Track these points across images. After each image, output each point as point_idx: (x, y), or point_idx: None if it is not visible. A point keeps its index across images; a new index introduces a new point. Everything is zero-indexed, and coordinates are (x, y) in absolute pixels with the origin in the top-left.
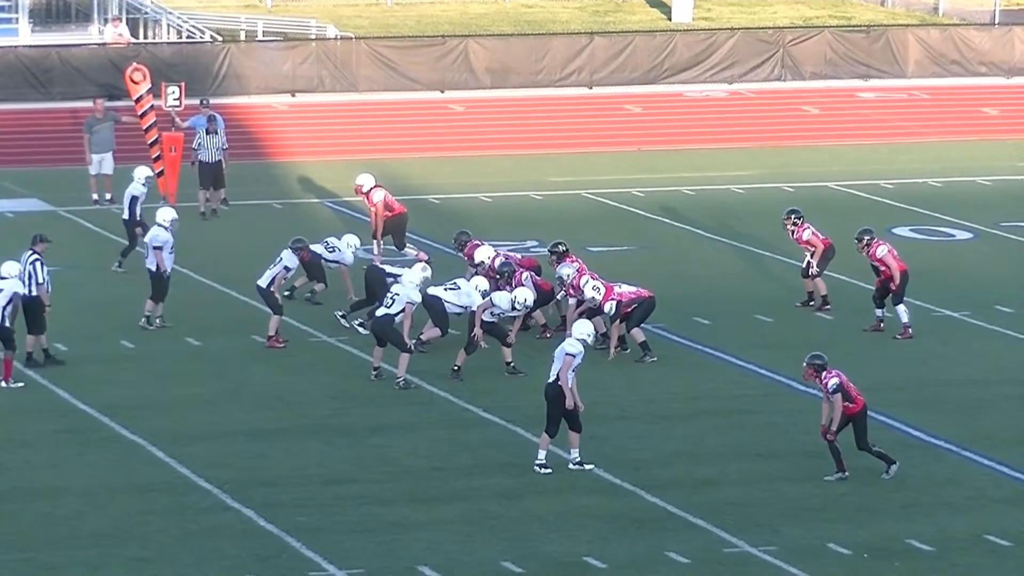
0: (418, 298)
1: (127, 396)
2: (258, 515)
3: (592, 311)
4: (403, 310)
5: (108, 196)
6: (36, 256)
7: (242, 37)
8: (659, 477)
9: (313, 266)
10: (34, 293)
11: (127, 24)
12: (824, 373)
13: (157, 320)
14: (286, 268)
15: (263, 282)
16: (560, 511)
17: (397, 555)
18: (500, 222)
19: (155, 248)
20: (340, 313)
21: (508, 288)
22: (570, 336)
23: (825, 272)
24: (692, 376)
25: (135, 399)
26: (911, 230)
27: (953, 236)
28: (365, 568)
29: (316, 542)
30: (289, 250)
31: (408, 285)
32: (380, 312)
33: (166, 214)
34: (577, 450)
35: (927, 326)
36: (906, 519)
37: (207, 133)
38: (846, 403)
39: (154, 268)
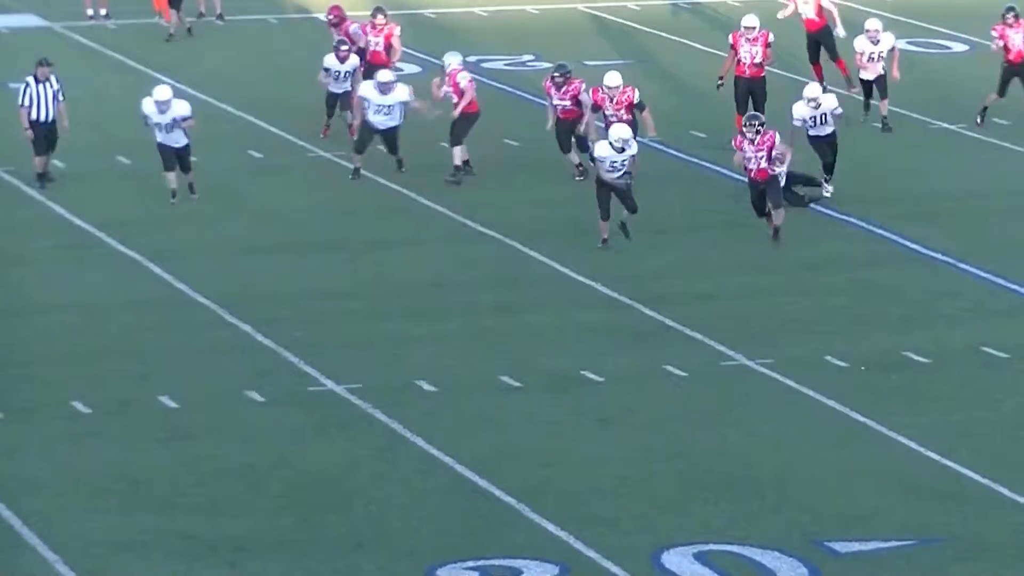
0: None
1: (124, 212)
2: (255, 330)
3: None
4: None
5: (103, 11)
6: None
7: None
8: (657, 291)
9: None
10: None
11: None
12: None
13: None
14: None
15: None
16: (558, 325)
17: (395, 370)
18: (497, 36)
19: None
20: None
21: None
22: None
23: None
24: (691, 191)
25: (133, 215)
26: (908, 43)
27: (949, 48)
28: (363, 383)
29: (314, 357)
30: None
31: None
32: (384, 127)
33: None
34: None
35: (924, 138)
36: (903, 331)
37: None
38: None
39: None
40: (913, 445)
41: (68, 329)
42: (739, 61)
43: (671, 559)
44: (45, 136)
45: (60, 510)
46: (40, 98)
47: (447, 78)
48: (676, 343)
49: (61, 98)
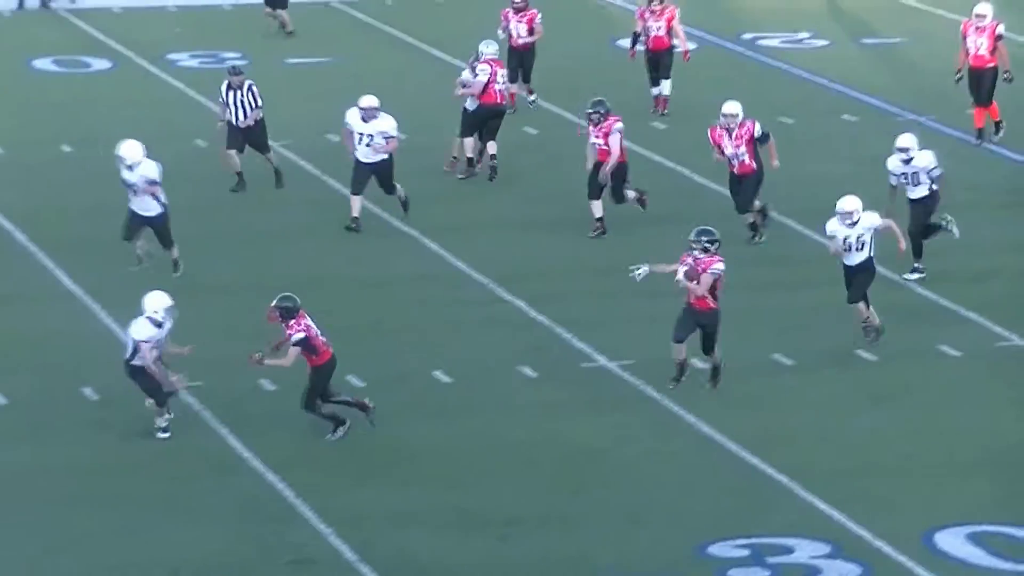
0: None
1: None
2: (529, 306)
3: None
4: None
5: None
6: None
7: None
8: (934, 269)
9: None
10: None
11: None
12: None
13: None
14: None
15: None
16: (831, 303)
17: (668, 347)
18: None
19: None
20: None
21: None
22: None
23: None
24: (965, 168)
25: (409, 192)
26: None
27: None
28: (636, 359)
29: (588, 333)
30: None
31: None
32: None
33: None
34: None
35: None
36: None
37: None
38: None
39: None
40: None
41: (345, 303)
42: (967, 51)
43: (944, 539)
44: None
45: (333, 483)
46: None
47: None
48: (951, 323)
49: (257, 104)
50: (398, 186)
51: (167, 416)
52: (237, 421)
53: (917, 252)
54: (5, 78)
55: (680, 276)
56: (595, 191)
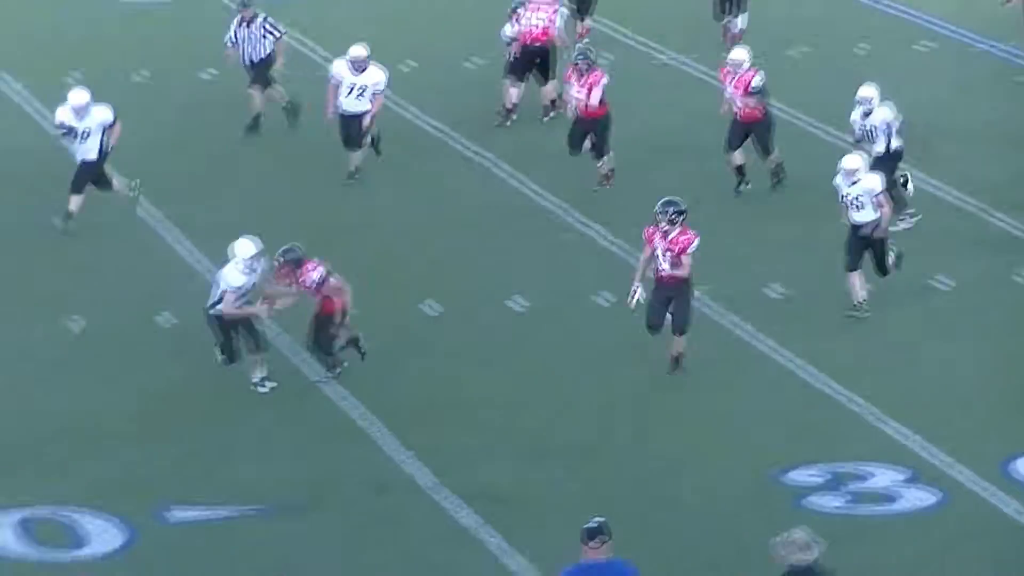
0: None
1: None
2: (605, 231)
3: None
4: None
5: None
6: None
7: None
8: (1014, 200)
9: None
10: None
11: None
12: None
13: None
14: None
15: None
16: (910, 232)
17: (748, 273)
18: None
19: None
20: None
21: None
22: None
23: None
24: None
25: None
26: None
27: None
28: (711, 287)
29: None
30: None
31: None
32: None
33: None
34: None
35: None
36: None
37: None
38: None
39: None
40: None
41: (414, 234)
42: None
43: (1021, 466)
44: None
45: (409, 410)
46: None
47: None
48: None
49: (275, 35)
50: (369, 136)
51: (264, 369)
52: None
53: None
54: (93, 10)
55: (664, 269)
56: (577, 143)
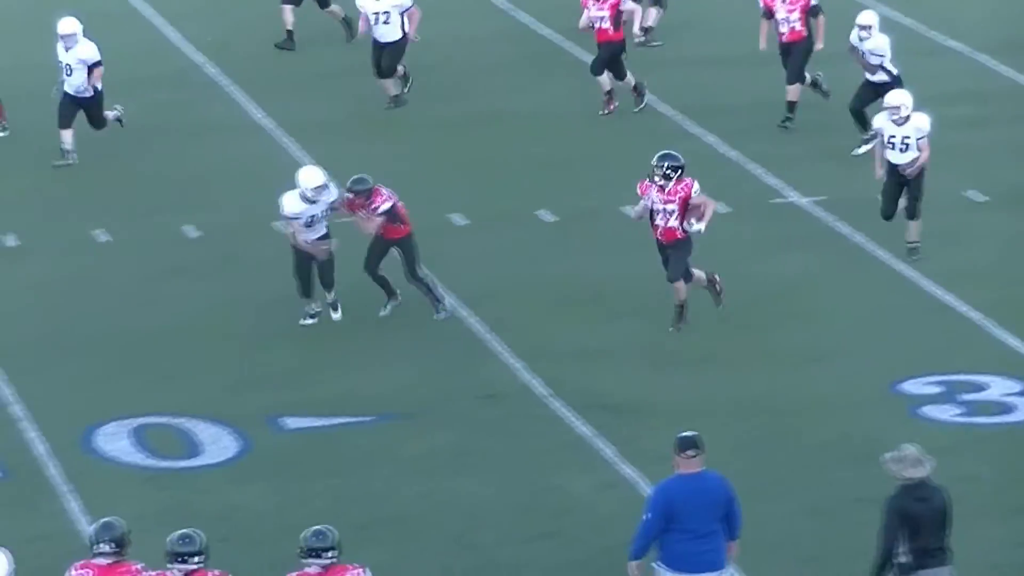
0: None
1: None
2: (720, 141)
3: None
4: None
5: None
6: None
7: None
8: None
9: None
10: None
11: None
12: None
13: None
14: None
15: None
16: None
17: (859, 182)
18: None
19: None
20: None
21: None
22: None
23: None
24: None
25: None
26: None
27: None
28: (828, 196)
29: (779, 169)
30: None
31: None
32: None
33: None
34: None
35: None
36: None
37: None
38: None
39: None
40: None
41: (531, 136)
42: None
43: None
44: None
45: (524, 318)
46: None
47: None
48: None
49: None
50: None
51: (323, 304)
52: (426, 260)
53: (862, 123)
54: None
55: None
56: (600, 66)
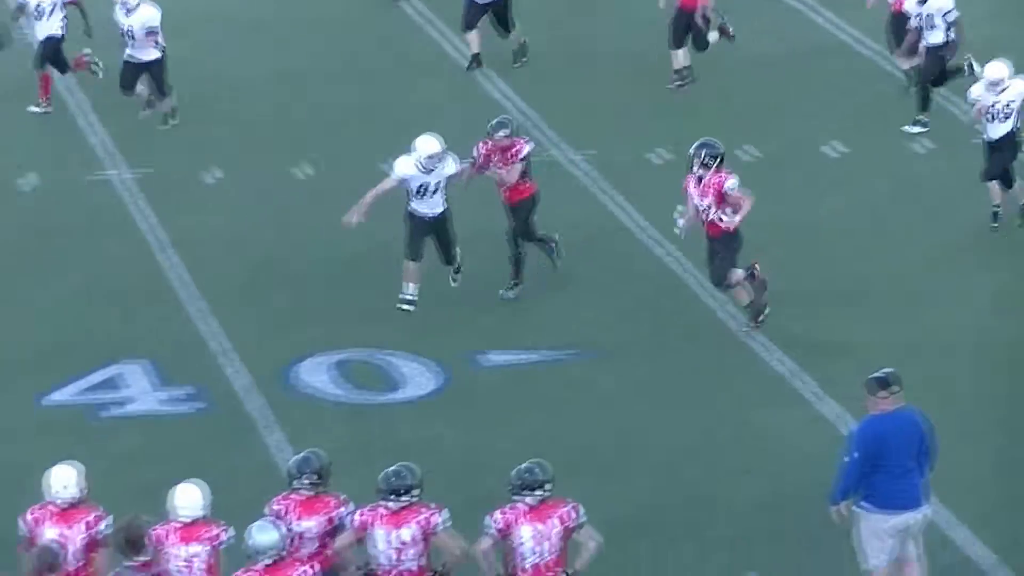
0: None
1: None
2: None
3: None
4: None
5: None
6: None
7: None
8: None
9: None
10: None
11: None
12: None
13: None
14: None
15: None
16: None
17: None
18: None
19: None
20: None
21: None
22: None
23: None
24: None
25: None
26: None
27: None
28: None
29: None
30: None
31: None
32: None
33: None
34: None
35: None
36: None
37: None
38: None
39: None
40: None
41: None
42: None
43: None
44: None
45: None
46: None
47: None
48: None
49: None
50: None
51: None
52: (627, 196)
53: (923, 104)
54: None
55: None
56: (679, 39)
